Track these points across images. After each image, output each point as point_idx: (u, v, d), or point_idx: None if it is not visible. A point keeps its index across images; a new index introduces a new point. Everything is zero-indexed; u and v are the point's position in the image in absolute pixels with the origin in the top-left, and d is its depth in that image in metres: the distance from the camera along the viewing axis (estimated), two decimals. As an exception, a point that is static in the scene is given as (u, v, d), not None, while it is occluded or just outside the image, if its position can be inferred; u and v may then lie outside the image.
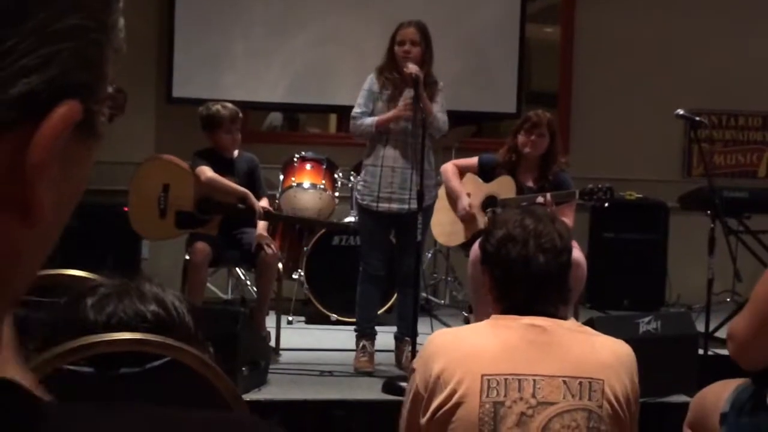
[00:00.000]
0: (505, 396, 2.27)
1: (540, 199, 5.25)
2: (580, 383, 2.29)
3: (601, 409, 2.28)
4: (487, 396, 2.27)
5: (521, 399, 2.26)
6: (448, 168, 5.66)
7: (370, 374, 5.22)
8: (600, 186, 5.38)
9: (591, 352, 2.35)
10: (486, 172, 5.61)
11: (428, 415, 2.31)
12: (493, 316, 2.46)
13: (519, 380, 2.28)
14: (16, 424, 0.53)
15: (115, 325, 1.46)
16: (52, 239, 0.57)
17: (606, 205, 5.55)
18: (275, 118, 7.90)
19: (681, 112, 5.74)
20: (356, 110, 5.35)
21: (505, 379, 2.28)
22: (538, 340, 2.34)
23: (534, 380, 2.28)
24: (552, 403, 2.27)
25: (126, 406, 0.58)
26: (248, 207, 5.41)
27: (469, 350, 2.33)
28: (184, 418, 0.59)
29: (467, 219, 5.56)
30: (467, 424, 2.26)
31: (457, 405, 2.27)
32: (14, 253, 0.53)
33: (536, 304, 2.41)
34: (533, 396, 2.27)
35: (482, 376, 2.28)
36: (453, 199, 5.63)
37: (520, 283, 2.40)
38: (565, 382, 2.29)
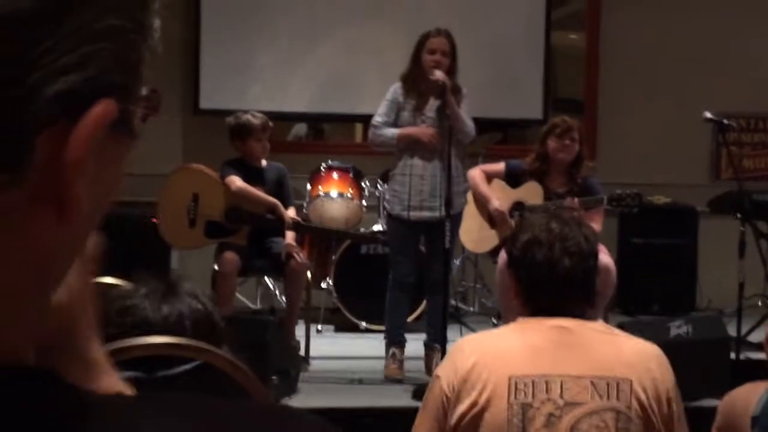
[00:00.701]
0: (533, 397, 2.27)
1: (568, 202, 5.24)
2: (608, 384, 2.29)
3: (630, 410, 2.27)
4: (515, 398, 2.27)
5: (549, 400, 2.26)
6: (476, 173, 5.64)
7: (400, 381, 5.21)
8: (628, 192, 5.36)
9: (618, 353, 2.34)
10: (513, 179, 5.59)
11: (455, 418, 2.30)
12: (519, 319, 2.46)
13: (546, 381, 2.28)
14: (55, 415, 0.53)
15: (146, 332, 1.47)
16: (87, 236, 0.58)
17: (635, 210, 5.50)
18: (300, 128, 7.93)
19: (708, 115, 5.72)
20: (377, 119, 5.36)
21: (533, 381, 2.28)
22: (564, 341, 2.34)
23: (561, 381, 2.28)
24: (580, 404, 2.27)
25: (171, 397, 0.59)
26: (277, 217, 5.43)
27: (496, 353, 2.34)
28: (233, 409, 0.60)
29: (501, 220, 5.52)
30: (495, 427, 2.26)
31: (485, 407, 2.27)
32: (51, 249, 0.54)
33: (562, 307, 2.40)
34: (561, 396, 2.27)
35: (509, 377, 2.28)
36: (482, 204, 5.61)
37: (546, 286, 2.41)
38: (592, 382, 2.29)
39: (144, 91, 0.58)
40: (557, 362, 2.31)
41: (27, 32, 0.50)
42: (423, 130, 5.25)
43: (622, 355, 2.34)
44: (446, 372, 2.36)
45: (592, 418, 2.26)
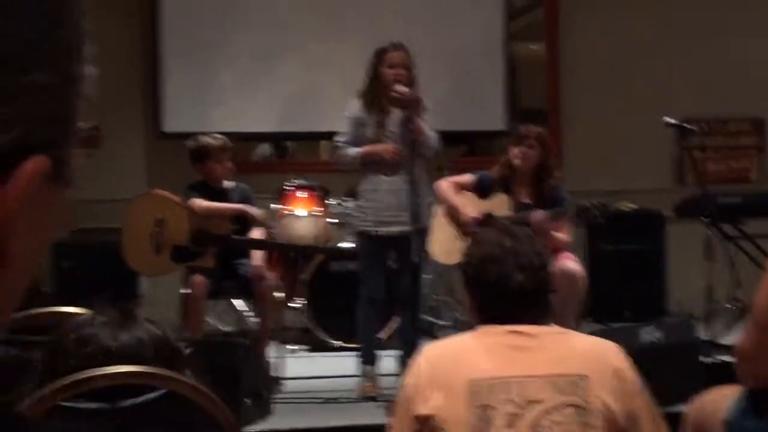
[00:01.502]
0: (493, 398, 2.33)
1: (535, 214, 5.24)
2: (566, 380, 2.36)
3: (590, 404, 2.33)
4: (475, 400, 2.33)
5: (509, 400, 2.33)
6: (443, 184, 5.63)
7: (374, 399, 5.19)
8: (594, 203, 5.36)
9: (574, 350, 2.43)
10: (482, 190, 5.58)
11: (418, 422, 2.36)
12: (477, 328, 2.54)
13: (505, 382, 2.35)
14: None
15: (107, 360, 1.45)
16: (26, 281, 0.58)
17: (601, 221, 5.50)
18: (264, 148, 7.91)
19: (670, 120, 5.75)
20: (339, 139, 5.36)
21: (491, 383, 2.35)
22: (520, 343, 2.43)
23: (519, 381, 2.35)
24: (539, 401, 2.33)
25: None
26: (249, 219, 5.48)
27: (455, 357, 2.42)
28: None
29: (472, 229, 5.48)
30: (458, 430, 2.32)
31: (447, 411, 2.33)
32: None
33: (516, 320, 2.47)
34: (520, 395, 2.34)
35: (469, 380, 2.35)
36: (452, 215, 5.59)
37: (500, 300, 2.49)
38: (551, 380, 2.36)
39: (84, 128, 0.58)
40: (515, 363, 2.38)
41: None
42: (385, 147, 5.24)
43: (577, 352, 2.42)
44: (409, 378, 2.45)
45: (553, 415, 2.32)
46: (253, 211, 5.53)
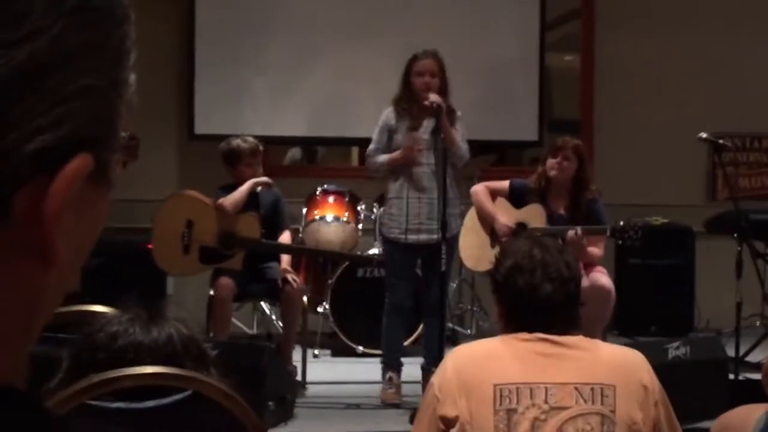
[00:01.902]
0: (518, 403, 2.35)
1: (571, 233, 5.19)
2: (592, 389, 2.37)
3: (614, 414, 2.35)
4: (500, 404, 2.35)
5: (534, 405, 2.35)
6: (479, 189, 5.61)
7: (397, 406, 5.19)
8: (632, 224, 5.28)
9: (601, 360, 2.44)
10: (517, 198, 5.55)
11: (443, 423, 2.37)
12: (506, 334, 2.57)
13: (531, 388, 2.36)
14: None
15: (125, 354, 1.45)
16: (69, 280, 0.62)
17: (637, 244, 5.34)
18: (295, 152, 7.93)
19: (704, 135, 5.72)
20: (371, 147, 5.38)
21: (517, 388, 2.36)
22: (548, 351, 2.44)
23: (546, 388, 2.37)
24: (565, 408, 2.35)
25: None
26: (263, 184, 5.52)
27: (482, 361, 2.44)
28: None
29: (506, 236, 5.46)
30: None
31: (472, 413, 2.35)
32: (36, 295, 0.59)
33: (544, 330, 2.48)
34: (545, 402, 2.35)
35: (495, 385, 2.36)
36: (486, 221, 5.57)
37: (528, 310, 2.50)
38: (576, 388, 2.37)
39: (123, 139, 0.62)
40: (541, 370, 2.39)
41: (3, 97, 0.54)
42: (404, 152, 5.24)
43: (605, 362, 2.43)
44: (438, 378, 2.47)
45: (577, 422, 2.34)
46: (265, 181, 5.53)
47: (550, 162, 5.43)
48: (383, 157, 5.31)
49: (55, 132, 0.55)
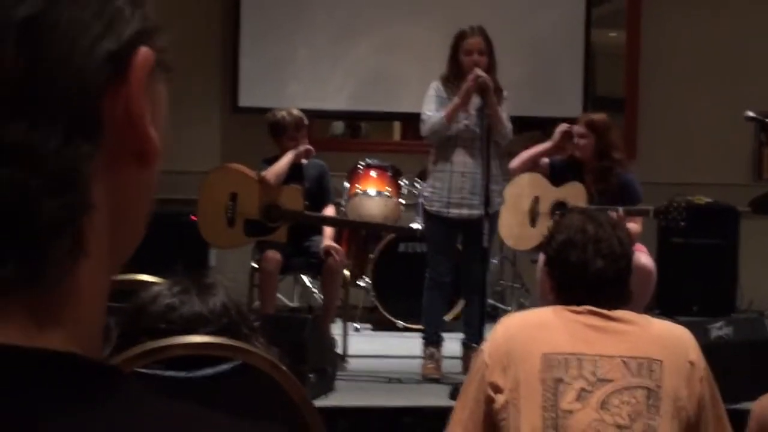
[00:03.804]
0: (566, 373, 2.38)
1: (612, 214, 5.15)
2: (640, 363, 2.39)
3: (660, 389, 2.37)
4: (549, 373, 2.38)
5: (581, 376, 2.38)
6: (515, 160, 5.60)
7: (437, 381, 5.20)
8: (675, 205, 5.23)
9: (650, 335, 2.45)
10: (557, 175, 5.54)
11: (492, 389, 2.40)
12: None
13: (579, 359, 2.39)
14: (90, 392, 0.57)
15: (187, 324, 1.47)
16: (157, 177, 0.63)
17: (681, 225, 5.28)
18: (338, 126, 7.94)
19: (750, 114, 5.65)
20: (425, 113, 5.32)
21: (566, 358, 2.40)
22: (598, 324, 2.47)
23: (594, 360, 2.40)
24: (611, 380, 2.37)
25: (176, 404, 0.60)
26: (302, 155, 5.51)
27: (533, 330, 2.47)
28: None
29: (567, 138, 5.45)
30: (529, 399, 2.36)
31: (520, 381, 2.38)
32: (135, 197, 0.61)
33: (594, 305, 2.50)
34: (593, 374, 2.38)
35: (544, 354, 2.40)
36: (520, 200, 5.53)
37: (579, 285, 2.53)
38: (624, 361, 2.39)
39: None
40: (591, 343, 2.42)
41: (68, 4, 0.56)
42: (461, 97, 5.18)
43: (653, 337, 2.45)
44: (488, 345, 2.49)
45: (623, 395, 2.36)
46: (305, 149, 5.52)
47: (571, 143, 5.44)
48: (438, 114, 5.24)
49: (112, 33, 0.57)
